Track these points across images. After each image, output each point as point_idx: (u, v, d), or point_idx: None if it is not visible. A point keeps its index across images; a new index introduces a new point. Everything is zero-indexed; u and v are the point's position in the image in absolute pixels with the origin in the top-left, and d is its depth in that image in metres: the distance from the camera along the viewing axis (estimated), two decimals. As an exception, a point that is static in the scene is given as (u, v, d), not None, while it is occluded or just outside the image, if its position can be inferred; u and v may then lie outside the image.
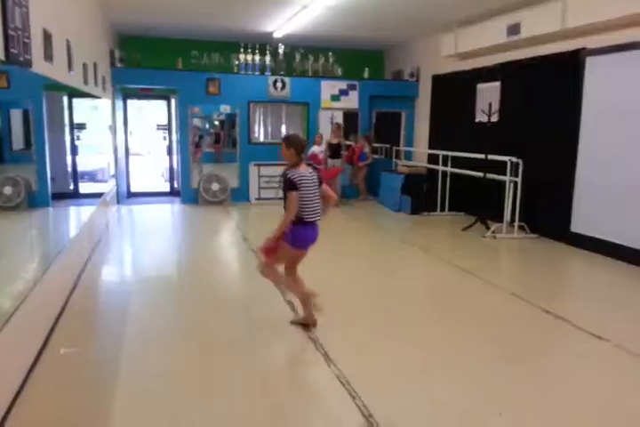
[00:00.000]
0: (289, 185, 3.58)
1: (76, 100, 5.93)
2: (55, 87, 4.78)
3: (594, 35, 6.34)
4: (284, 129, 10.85)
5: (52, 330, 3.73)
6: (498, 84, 7.63)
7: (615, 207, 6.03)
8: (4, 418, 2.59)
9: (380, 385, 3.05)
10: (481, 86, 8.01)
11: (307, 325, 3.83)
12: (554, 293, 5.04)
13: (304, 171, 3.65)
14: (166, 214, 9.55)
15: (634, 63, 5.77)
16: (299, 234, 3.66)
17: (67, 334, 3.73)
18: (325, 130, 10.15)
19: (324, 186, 3.80)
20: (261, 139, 10.52)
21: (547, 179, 7.04)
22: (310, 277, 3.89)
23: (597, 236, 6.24)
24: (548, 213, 7.06)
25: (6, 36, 2.95)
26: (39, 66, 3.76)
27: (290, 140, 3.72)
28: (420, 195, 9.05)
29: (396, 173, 9.76)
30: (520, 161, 7.02)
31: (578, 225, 6.59)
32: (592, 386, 3.12)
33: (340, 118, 10.47)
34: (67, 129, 5.60)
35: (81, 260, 5.43)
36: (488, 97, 7.78)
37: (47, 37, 4.03)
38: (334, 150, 9.75)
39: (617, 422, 2.74)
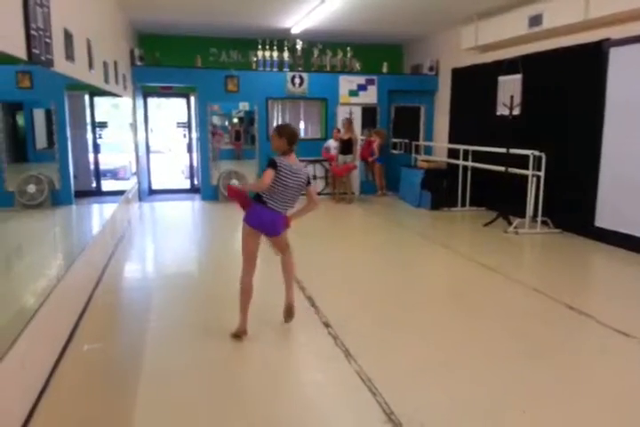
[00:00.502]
0: (270, 163, 3.54)
1: (97, 99, 6.00)
2: (77, 86, 4.84)
3: (617, 25, 6.19)
4: (302, 125, 10.85)
5: (75, 326, 3.79)
6: (519, 76, 7.50)
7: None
8: (31, 413, 2.64)
9: (400, 381, 3.04)
10: (502, 79, 7.88)
11: (238, 336, 3.63)
12: (577, 288, 4.96)
13: (293, 162, 3.61)
14: (187, 211, 9.62)
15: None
16: (253, 211, 3.59)
17: (90, 330, 3.78)
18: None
19: (311, 189, 3.73)
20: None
21: (570, 173, 6.92)
22: (331, 274, 3.88)
23: (622, 230, 6.11)
24: (572, 207, 6.93)
25: (28, 37, 3.00)
26: (60, 65, 3.81)
27: (282, 130, 3.66)
28: (441, 190, 8.97)
29: (415, 168, 9.68)
30: (543, 155, 6.91)
31: (602, 219, 6.46)
32: (616, 383, 3.06)
33: (358, 113, 10.43)
34: (88, 127, 5.66)
35: (104, 256, 5.51)
36: (509, 90, 7.66)
37: (68, 37, 4.08)
38: (345, 146, 9.63)
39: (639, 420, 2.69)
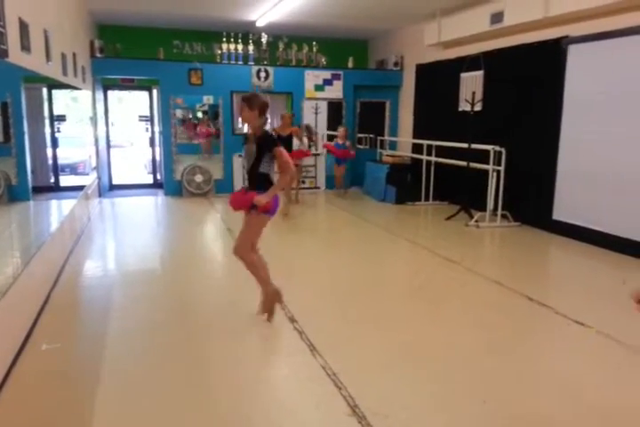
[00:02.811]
0: (272, 142, 3.41)
1: (55, 92, 5.82)
2: (34, 79, 4.68)
3: (576, 23, 6.36)
4: (268, 119, 10.76)
5: (33, 325, 3.69)
6: (481, 72, 7.64)
7: (596, 195, 6.09)
8: (-14, 415, 2.57)
9: (365, 375, 3.07)
10: (464, 75, 8.01)
11: (269, 312, 3.75)
12: (536, 280, 5.09)
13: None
14: (149, 207, 9.46)
15: (615, 51, 5.81)
16: (275, 200, 3.55)
17: (49, 330, 3.69)
18: (310, 120, 10.11)
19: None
20: (245, 130, 10.43)
21: (529, 167, 7.09)
22: (296, 269, 3.89)
23: (579, 223, 6.31)
24: (531, 201, 7.12)
25: (-21, 26, 2.88)
26: (16, 56, 3.67)
27: (252, 100, 3.43)
28: (405, 185, 9.07)
29: (380, 162, 9.76)
30: (503, 150, 7.06)
31: (560, 213, 6.66)
32: (575, 371, 3.16)
33: (324, 108, 10.43)
34: (47, 121, 5.49)
35: (63, 254, 5.37)
36: (471, 86, 7.79)
37: (24, 27, 3.94)
38: (285, 143, 7.80)
39: (599, 405, 2.79)
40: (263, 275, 3.76)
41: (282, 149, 3.45)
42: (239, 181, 10.04)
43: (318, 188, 10.30)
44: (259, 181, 3.56)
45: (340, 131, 9.62)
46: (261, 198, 3.45)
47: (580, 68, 6.32)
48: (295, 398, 2.90)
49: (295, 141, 8.33)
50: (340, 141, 9.55)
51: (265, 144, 3.48)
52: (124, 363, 3.22)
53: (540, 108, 6.96)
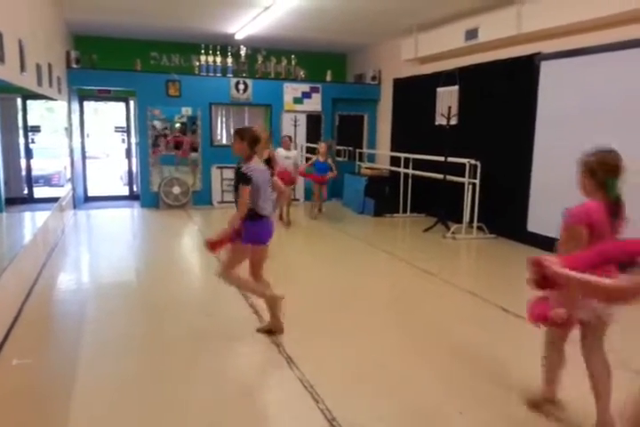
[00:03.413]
0: (243, 179, 3.53)
1: (30, 102, 5.74)
2: (8, 89, 4.61)
3: (548, 40, 6.53)
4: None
5: (4, 340, 3.59)
6: (456, 87, 7.77)
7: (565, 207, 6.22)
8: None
9: (342, 387, 3.06)
10: (440, 90, 8.14)
11: (272, 331, 3.79)
12: (511, 291, 5.14)
13: (258, 165, 3.65)
14: (125, 219, 9.34)
15: (586, 68, 5.98)
16: (255, 228, 3.63)
17: (20, 345, 3.60)
18: (289, 132, 10.14)
19: (274, 178, 3.81)
20: (224, 141, 10.43)
21: (504, 180, 7.21)
22: (274, 281, 3.88)
23: (553, 235, 6.40)
24: (506, 213, 7.23)
25: (-49, 35, 2.84)
26: (-11, 66, 3.62)
27: (244, 133, 3.64)
28: (383, 197, 9.14)
29: (359, 175, 9.82)
30: (478, 163, 7.17)
31: (534, 225, 6.77)
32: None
33: (303, 121, 10.48)
34: (21, 132, 5.41)
35: (35, 267, 5.26)
36: (447, 100, 7.92)
37: (-3, 37, 3.89)
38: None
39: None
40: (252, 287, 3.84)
41: (244, 188, 3.53)
42: (218, 192, 10.00)
43: (297, 200, 10.29)
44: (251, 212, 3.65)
45: (322, 147, 8.62)
46: (210, 238, 3.66)
47: (553, 83, 6.48)
48: (273, 411, 2.87)
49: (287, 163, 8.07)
50: (320, 159, 8.57)
51: (237, 179, 3.63)
52: (97, 379, 3.16)
53: (514, 123, 7.10)
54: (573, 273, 1.76)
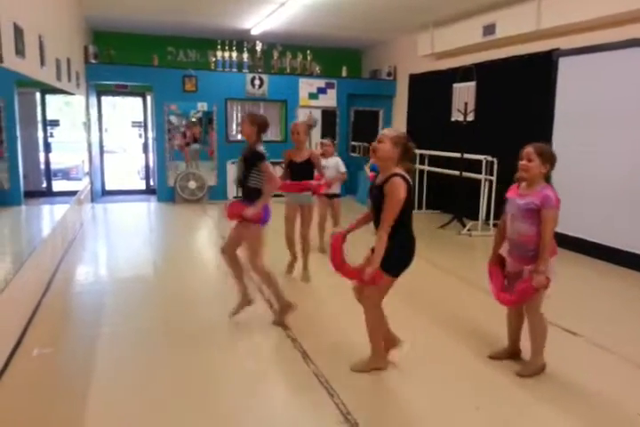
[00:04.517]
0: (259, 157, 3.58)
1: (49, 97, 5.81)
2: (28, 83, 4.68)
3: (567, 36, 6.46)
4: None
5: (25, 331, 3.66)
6: (473, 83, 7.72)
7: (584, 205, 6.16)
8: (-25, 421, 2.54)
9: (357, 382, 3.07)
10: (457, 86, 8.08)
11: (284, 321, 3.86)
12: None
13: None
14: (142, 213, 9.43)
15: (604, 64, 5.90)
16: (266, 210, 3.73)
17: (40, 335, 3.67)
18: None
19: (266, 163, 3.79)
20: (239, 137, 10.46)
21: (521, 177, 7.14)
22: (289, 275, 3.91)
23: (569, 233, 6.35)
24: (523, 211, 7.16)
25: (-25, 31, 2.89)
26: (10, 61, 3.68)
27: (254, 117, 3.67)
28: (398, 193, 9.09)
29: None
30: (495, 160, 7.12)
31: (551, 223, 6.70)
32: (570, 377, 3.17)
33: (318, 116, 10.48)
34: (39, 126, 5.48)
35: (54, 259, 5.34)
36: (464, 96, 7.87)
37: (18, 32, 3.95)
38: (303, 172, 5.15)
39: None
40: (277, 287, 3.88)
41: (266, 163, 3.58)
42: (233, 187, 10.04)
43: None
44: (250, 195, 3.70)
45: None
46: (248, 211, 3.61)
47: (571, 80, 6.40)
48: (288, 405, 2.89)
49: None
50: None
51: (251, 159, 3.64)
52: (115, 368, 3.21)
53: (531, 119, 7.03)
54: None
